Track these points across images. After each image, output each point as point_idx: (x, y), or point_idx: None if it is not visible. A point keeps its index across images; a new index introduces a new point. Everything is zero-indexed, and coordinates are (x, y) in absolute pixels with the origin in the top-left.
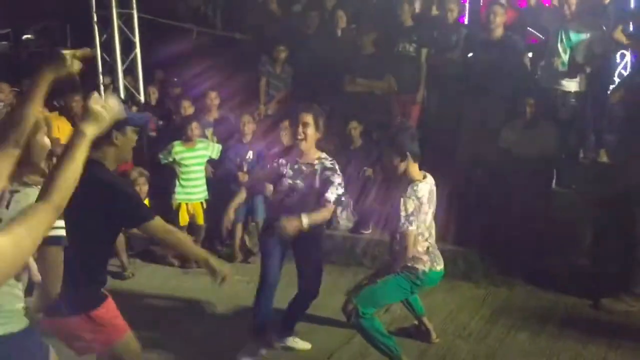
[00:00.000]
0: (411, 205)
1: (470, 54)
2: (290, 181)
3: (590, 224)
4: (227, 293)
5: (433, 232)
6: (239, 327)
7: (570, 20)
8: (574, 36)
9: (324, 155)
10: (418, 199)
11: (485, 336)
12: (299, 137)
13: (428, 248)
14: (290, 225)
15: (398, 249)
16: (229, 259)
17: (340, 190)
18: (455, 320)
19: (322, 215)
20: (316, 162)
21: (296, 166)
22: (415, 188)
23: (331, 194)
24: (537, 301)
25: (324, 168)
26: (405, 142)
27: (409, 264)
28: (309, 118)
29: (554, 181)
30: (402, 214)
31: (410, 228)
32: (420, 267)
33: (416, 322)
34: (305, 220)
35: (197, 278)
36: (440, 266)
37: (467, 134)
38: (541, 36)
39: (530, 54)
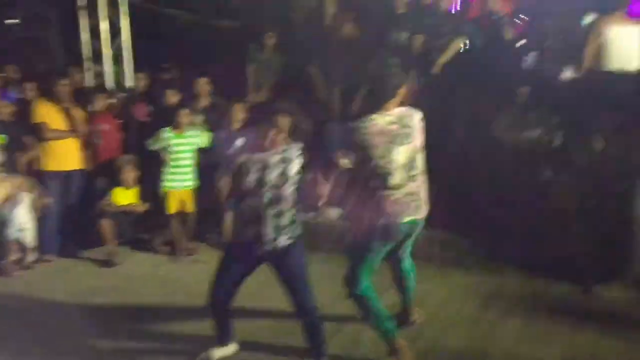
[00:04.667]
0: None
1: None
2: (256, 175)
3: (583, 211)
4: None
5: (410, 175)
6: None
7: None
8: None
9: (290, 142)
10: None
11: (478, 322)
12: (268, 140)
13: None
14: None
15: None
16: (219, 247)
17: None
18: (447, 307)
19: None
20: (283, 149)
21: (262, 157)
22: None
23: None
24: (529, 288)
25: (297, 154)
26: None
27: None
28: (284, 123)
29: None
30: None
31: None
32: (382, 222)
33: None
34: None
35: (186, 267)
36: (413, 217)
37: (460, 121)
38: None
39: (523, 41)
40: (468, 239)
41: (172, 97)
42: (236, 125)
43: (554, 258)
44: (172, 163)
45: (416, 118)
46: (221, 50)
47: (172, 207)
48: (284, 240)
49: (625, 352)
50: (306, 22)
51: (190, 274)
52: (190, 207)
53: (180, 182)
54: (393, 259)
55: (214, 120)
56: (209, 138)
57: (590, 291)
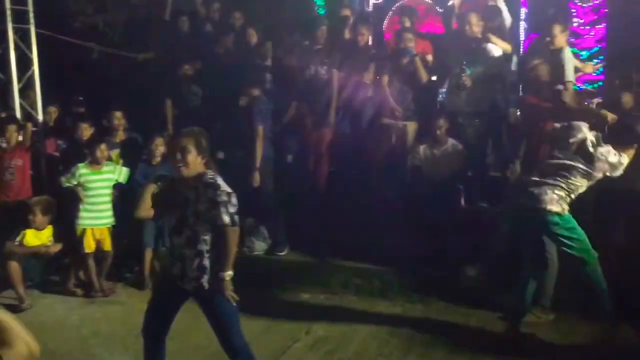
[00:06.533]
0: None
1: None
2: (178, 212)
3: (500, 239)
4: (137, 323)
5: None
6: None
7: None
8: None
9: (206, 171)
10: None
11: (406, 354)
12: (179, 165)
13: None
14: (227, 289)
15: None
16: (138, 287)
17: (233, 209)
18: (376, 339)
19: (231, 247)
20: (196, 181)
21: (178, 189)
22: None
23: (225, 216)
24: (451, 316)
25: (206, 186)
26: None
27: None
28: (188, 142)
29: (462, 198)
30: None
31: None
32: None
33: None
34: (228, 272)
35: (104, 307)
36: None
37: (380, 154)
38: None
39: (434, 77)
40: (391, 269)
41: (87, 131)
42: (156, 159)
43: (473, 285)
44: (88, 200)
45: (606, 151)
46: (138, 83)
47: (88, 245)
48: (207, 281)
49: None
50: (229, 54)
51: (107, 317)
52: (107, 245)
53: (96, 220)
54: None
55: (131, 155)
56: (126, 173)
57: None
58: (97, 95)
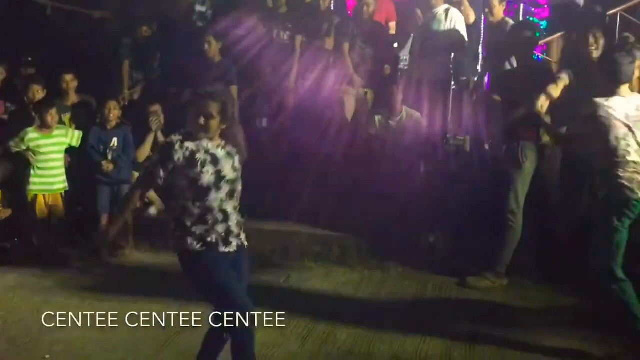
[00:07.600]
0: None
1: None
2: (212, 169)
3: (457, 206)
4: (91, 291)
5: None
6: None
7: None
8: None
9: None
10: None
11: (363, 318)
12: (199, 128)
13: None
14: None
15: None
16: (92, 254)
17: None
18: (335, 306)
19: None
20: (223, 142)
21: (212, 151)
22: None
23: None
24: (409, 282)
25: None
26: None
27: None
28: (213, 108)
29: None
30: None
31: None
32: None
33: None
34: None
35: (57, 275)
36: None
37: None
38: None
39: (395, 44)
40: (350, 236)
41: (38, 94)
42: (111, 123)
43: (431, 251)
44: (39, 165)
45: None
46: (93, 44)
47: (40, 211)
48: (244, 239)
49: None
50: (186, 18)
51: (60, 285)
52: (60, 211)
53: (49, 186)
54: None
55: (84, 119)
56: (79, 137)
57: (465, 282)
58: (50, 55)
